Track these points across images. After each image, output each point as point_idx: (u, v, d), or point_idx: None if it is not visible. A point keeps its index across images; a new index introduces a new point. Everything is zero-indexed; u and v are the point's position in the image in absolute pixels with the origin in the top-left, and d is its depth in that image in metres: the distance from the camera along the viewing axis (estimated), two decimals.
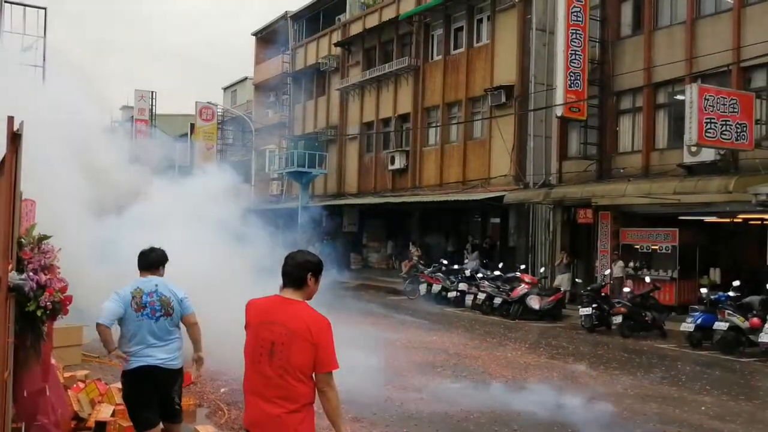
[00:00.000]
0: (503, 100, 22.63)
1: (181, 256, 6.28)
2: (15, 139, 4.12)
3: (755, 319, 12.63)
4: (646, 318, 15.15)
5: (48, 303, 4.51)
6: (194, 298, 5.57)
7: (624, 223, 19.17)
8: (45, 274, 4.55)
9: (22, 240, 4.56)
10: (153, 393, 5.25)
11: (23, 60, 13.01)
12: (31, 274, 4.46)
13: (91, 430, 5.90)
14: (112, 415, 6.01)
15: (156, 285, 5.34)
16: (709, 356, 12.90)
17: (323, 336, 3.61)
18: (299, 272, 3.70)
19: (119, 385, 6.83)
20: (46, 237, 4.73)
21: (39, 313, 4.49)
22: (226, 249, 10.60)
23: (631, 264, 18.41)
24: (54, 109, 9.56)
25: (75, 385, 6.67)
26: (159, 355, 5.21)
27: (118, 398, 6.39)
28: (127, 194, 11.29)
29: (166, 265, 5.60)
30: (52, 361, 5.49)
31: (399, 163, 27.48)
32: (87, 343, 9.59)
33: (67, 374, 7.11)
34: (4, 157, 4.17)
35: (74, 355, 8.91)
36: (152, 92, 43.93)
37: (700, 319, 13.47)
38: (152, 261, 5.46)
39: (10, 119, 4.03)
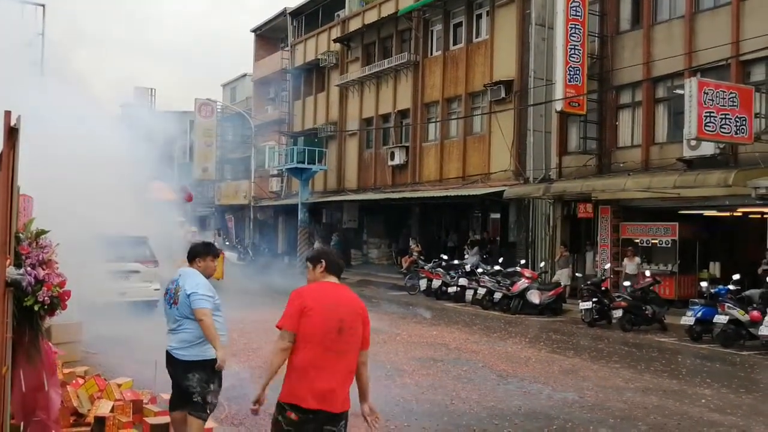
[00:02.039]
0: (503, 95, 22.59)
1: None
2: (12, 133, 4.10)
3: (755, 312, 12.65)
4: (647, 312, 15.16)
5: (46, 298, 4.50)
6: None
7: (624, 217, 19.17)
8: (43, 269, 4.53)
9: (20, 235, 4.54)
10: (174, 378, 5.52)
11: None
12: (29, 269, 4.44)
13: (90, 426, 5.90)
14: (111, 410, 6.00)
15: (180, 275, 5.56)
16: (709, 349, 12.92)
17: (367, 316, 4.34)
18: (341, 266, 4.51)
19: (118, 380, 6.85)
20: (44, 232, 4.71)
21: (37, 308, 4.48)
22: None
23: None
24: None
25: (74, 381, 6.68)
26: (171, 342, 5.48)
27: (117, 394, 6.41)
28: None
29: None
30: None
31: (399, 158, 27.43)
32: (86, 339, 9.61)
33: (66, 370, 7.11)
34: (1, 153, 4.15)
35: (73, 351, 8.92)
36: (151, 89, 43.79)
37: (700, 313, 13.49)
38: (189, 253, 5.69)
39: (7, 114, 4.01)
